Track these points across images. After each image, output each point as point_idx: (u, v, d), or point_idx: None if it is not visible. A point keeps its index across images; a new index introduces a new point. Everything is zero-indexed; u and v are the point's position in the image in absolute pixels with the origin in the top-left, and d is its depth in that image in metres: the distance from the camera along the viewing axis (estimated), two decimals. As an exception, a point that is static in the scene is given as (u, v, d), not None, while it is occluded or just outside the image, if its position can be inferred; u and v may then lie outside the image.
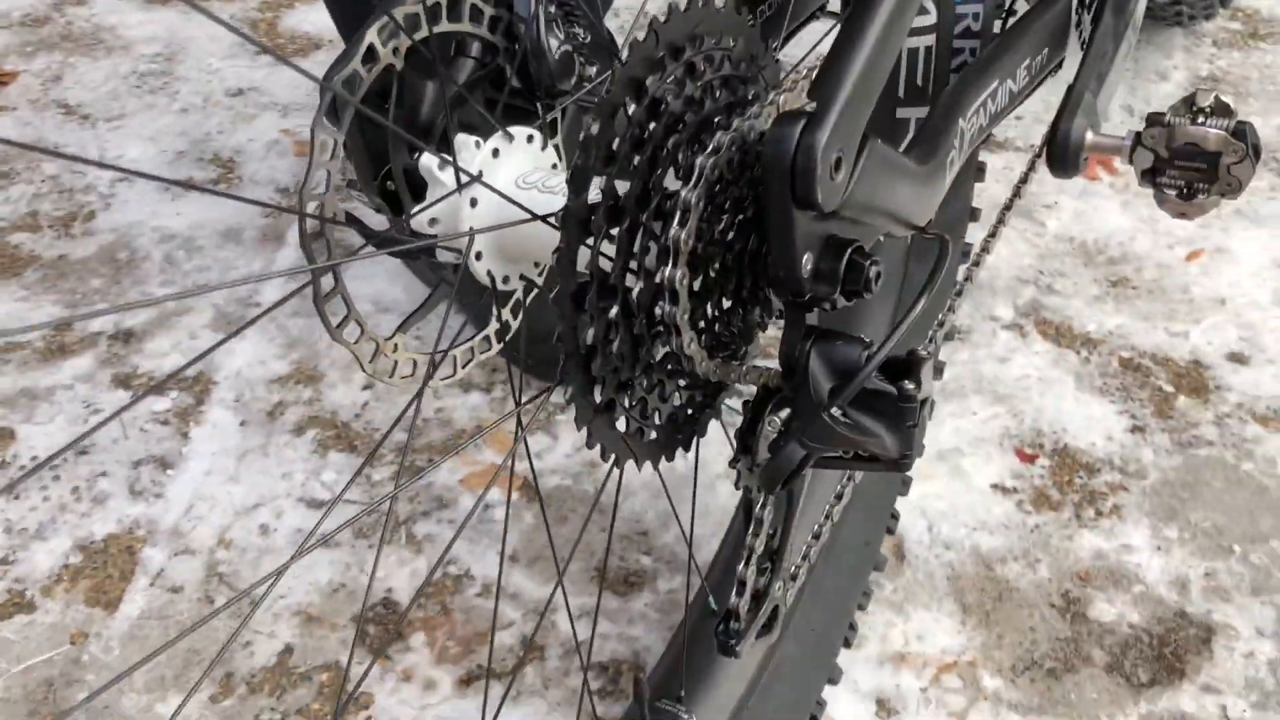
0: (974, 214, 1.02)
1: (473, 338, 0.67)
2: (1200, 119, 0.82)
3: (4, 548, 1.06)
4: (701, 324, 0.56)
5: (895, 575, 1.06)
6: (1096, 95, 0.87)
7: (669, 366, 0.57)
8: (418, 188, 0.62)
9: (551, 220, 0.55)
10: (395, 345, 0.61)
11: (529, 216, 0.58)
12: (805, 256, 0.53)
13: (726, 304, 0.58)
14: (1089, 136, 0.84)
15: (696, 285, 0.54)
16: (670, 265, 0.51)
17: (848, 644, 0.95)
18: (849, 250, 0.55)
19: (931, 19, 0.90)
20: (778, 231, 0.52)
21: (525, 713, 0.94)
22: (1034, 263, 1.41)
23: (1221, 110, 0.83)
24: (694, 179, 0.51)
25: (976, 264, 0.88)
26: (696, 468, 0.73)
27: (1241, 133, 0.81)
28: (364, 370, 0.60)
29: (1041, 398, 1.23)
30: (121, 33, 1.85)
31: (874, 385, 0.56)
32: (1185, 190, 0.84)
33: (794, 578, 0.74)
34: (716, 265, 0.55)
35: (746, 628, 0.68)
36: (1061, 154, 0.84)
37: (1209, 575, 1.06)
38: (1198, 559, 1.08)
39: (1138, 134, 0.83)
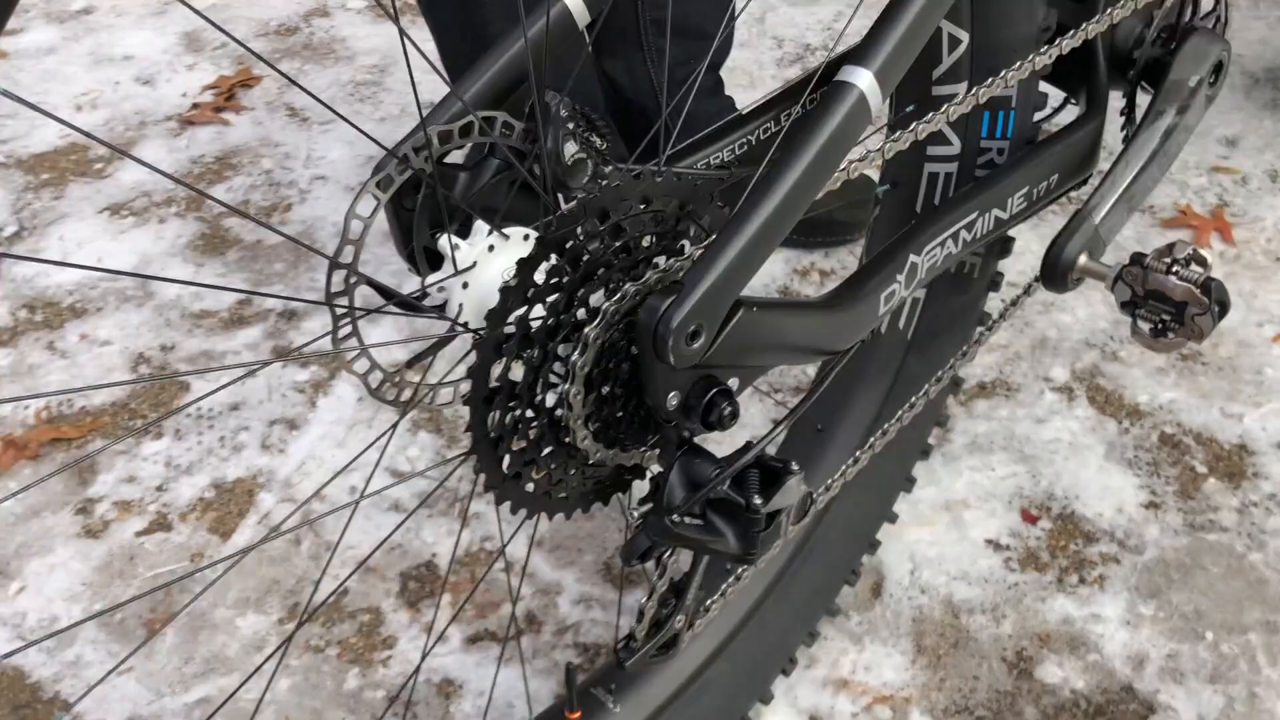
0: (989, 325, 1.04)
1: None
2: (1173, 269, 0.89)
3: (162, 477, 1.35)
4: (595, 426, 0.68)
5: (865, 609, 1.17)
6: (1102, 221, 0.93)
7: (569, 453, 0.69)
8: (438, 258, 0.78)
9: (480, 334, 0.66)
10: (398, 375, 0.77)
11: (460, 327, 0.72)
12: (671, 394, 0.66)
13: (618, 414, 0.70)
14: (1081, 260, 0.92)
15: (590, 399, 0.66)
16: (569, 382, 0.64)
17: (785, 673, 1.07)
18: (712, 391, 0.67)
19: (955, 149, 0.96)
20: (646, 375, 0.65)
21: (513, 674, 1.13)
22: (1108, 327, 1.44)
23: (1197, 261, 0.90)
24: (597, 320, 0.63)
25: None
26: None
27: (1208, 289, 0.88)
28: (369, 392, 0.77)
29: (1065, 462, 1.28)
30: (351, 44, 2.15)
31: (723, 495, 0.67)
32: (1157, 327, 0.91)
33: (706, 610, 0.86)
34: (608, 385, 0.67)
35: (640, 649, 0.79)
36: (1052, 272, 0.92)
37: (1171, 656, 1.10)
38: (1165, 639, 1.12)
39: (1121, 269, 0.90)
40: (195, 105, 2.00)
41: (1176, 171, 1.65)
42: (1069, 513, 1.23)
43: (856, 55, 0.68)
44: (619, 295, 0.64)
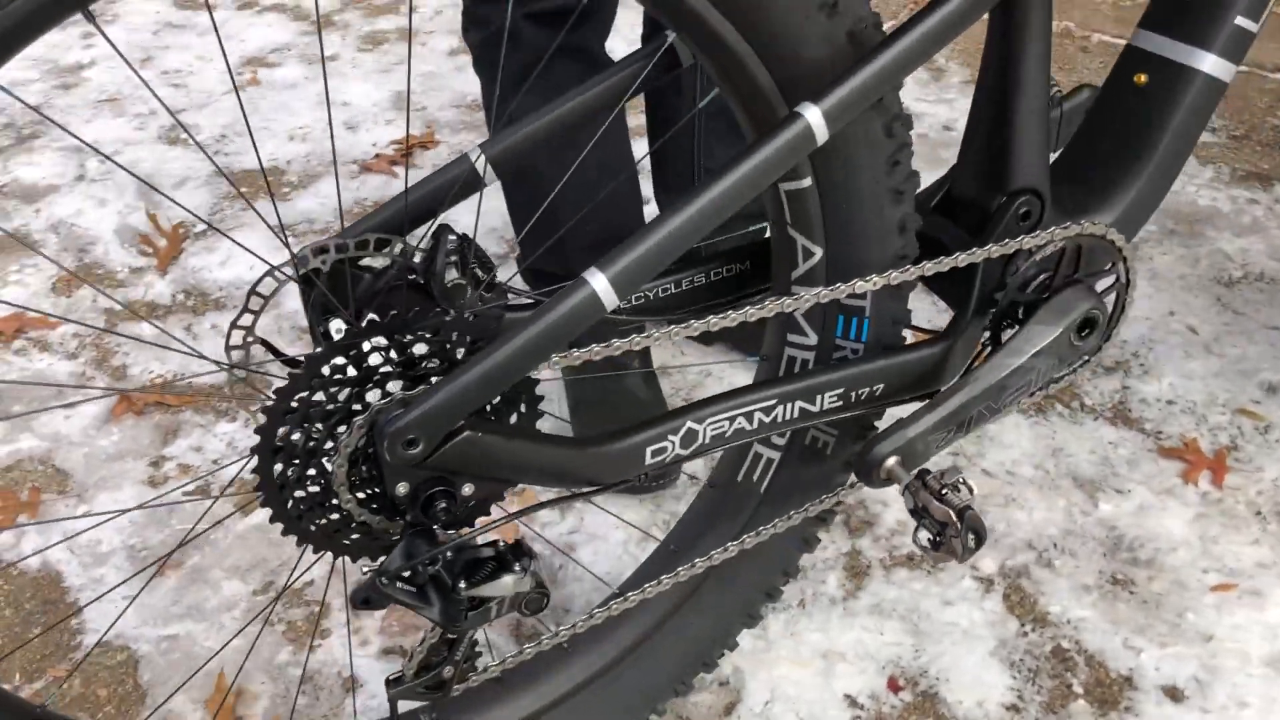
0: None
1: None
2: (942, 491, 1.00)
3: (220, 454, 1.65)
4: (360, 495, 0.88)
5: (710, 715, 1.30)
6: (919, 435, 1.00)
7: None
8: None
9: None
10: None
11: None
12: (400, 484, 0.84)
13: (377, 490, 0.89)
14: (889, 462, 1.01)
15: (353, 473, 0.86)
16: (335, 456, 0.85)
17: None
18: (434, 489, 0.85)
19: (812, 341, 1.05)
20: (381, 465, 0.84)
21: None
22: (1057, 534, 1.50)
23: (963, 489, 1.00)
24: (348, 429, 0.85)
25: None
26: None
27: (963, 516, 0.98)
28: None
29: (953, 646, 1.37)
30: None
31: (435, 573, 0.87)
32: (933, 540, 1.00)
33: (477, 669, 1.01)
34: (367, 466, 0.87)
35: (405, 685, 0.96)
36: (861, 465, 1.01)
37: (957, 846, 1.18)
38: (959, 829, 1.19)
39: (909, 482, 1.01)
40: (377, 155, 2.36)
41: (1201, 404, 1.68)
42: (933, 692, 1.32)
43: (602, 263, 0.84)
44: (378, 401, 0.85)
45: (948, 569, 1.46)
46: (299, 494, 0.88)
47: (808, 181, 0.93)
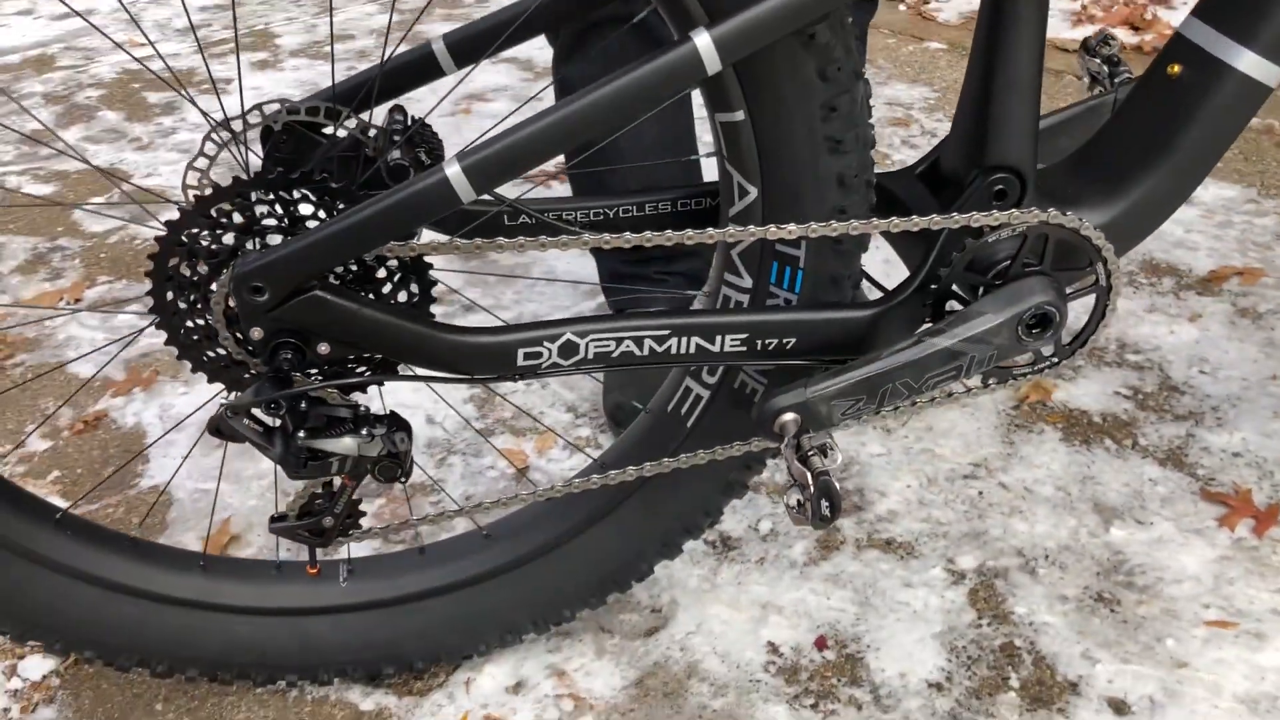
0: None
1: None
2: (807, 454, 0.96)
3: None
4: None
5: (629, 637, 1.32)
6: (817, 394, 0.97)
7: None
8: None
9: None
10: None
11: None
12: (254, 329, 0.92)
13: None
14: (784, 417, 0.97)
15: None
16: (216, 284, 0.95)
17: (504, 643, 1.26)
18: (281, 337, 0.92)
19: (746, 284, 1.04)
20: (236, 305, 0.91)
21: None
22: (1052, 549, 1.41)
23: (824, 453, 0.97)
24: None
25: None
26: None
27: (817, 480, 0.94)
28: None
29: (896, 623, 1.32)
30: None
31: (281, 419, 0.93)
32: (800, 502, 0.96)
33: (358, 526, 1.08)
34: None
35: (285, 525, 1.04)
36: (758, 415, 0.98)
37: (819, 787, 1.13)
38: (829, 774, 1.15)
39: (788, 440, 0.97)
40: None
41: (1273, 461, 1.53)
42: (858, 657, 1.28)
43: (461, 152, 0.87)
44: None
45: (921, 556, 1.41)
46: (187, 324, 0.97)
47: (740, 115, 0.94)
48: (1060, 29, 3.55)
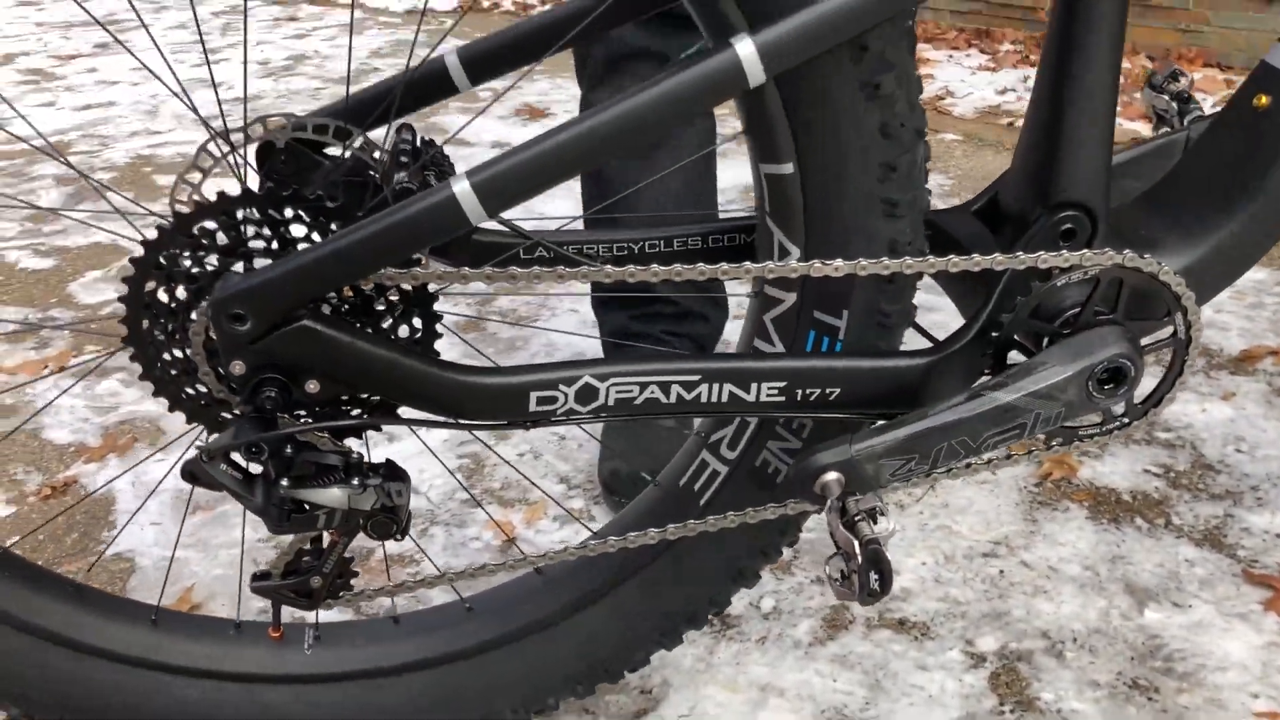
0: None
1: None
2: (854, 518, 0.87)
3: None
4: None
5: (619, 718, 1.20)
6: (861, 451, 0.86)
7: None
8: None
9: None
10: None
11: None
12: (235, 362, 0.81)
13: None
14: (827, 476, 0.87)
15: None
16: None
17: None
18: (265, 372, 0.81)
19: (779, 351, 0.95)
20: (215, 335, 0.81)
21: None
22: (1080, 631, 1.29)
23: (875, 518, 0.87)
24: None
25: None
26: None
27: (865, 548, 0.84)
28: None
29: (909, 709, 1.19)
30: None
31: (262, 466, 0.81)
32: (844, 572, 0.86)
33: (348, 588, 0.97)
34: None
35: (269, 584, 0.94)
36: (797, 472, 0.88)
37: None
38: None
39: (831, 503, 0.88)
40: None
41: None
42: (865, 745, 1.15)
43: (472, 169, 0.78)
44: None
45: (938, 637, 1.29)
46: (164, 355, 0.87)
47: (789, 168, 0.85)
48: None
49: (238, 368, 0.82)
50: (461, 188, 0.78)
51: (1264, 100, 0.88)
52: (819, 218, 0.87)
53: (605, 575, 1.08)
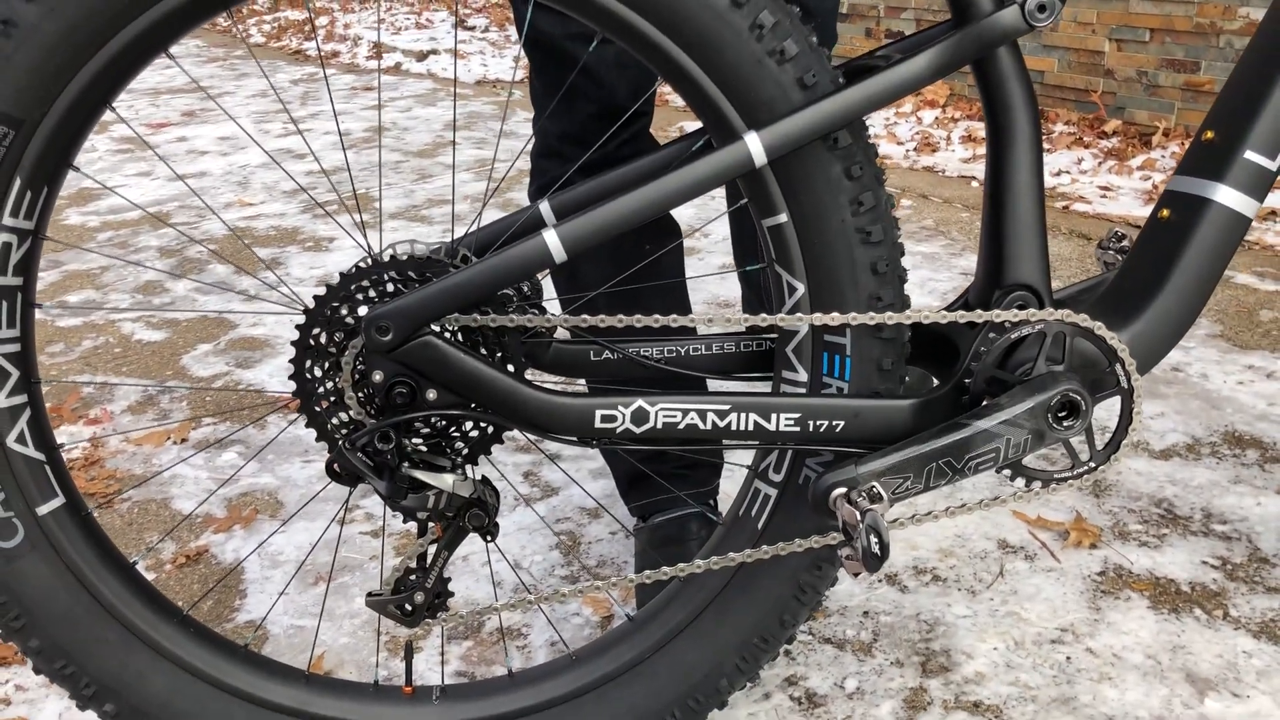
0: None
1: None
2: (855, 500, 1.05)
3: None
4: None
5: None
6: (865, 472, 1.06)
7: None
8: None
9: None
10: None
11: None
12: (376, 371, 1.03)
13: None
14: (835, 493, 1.06)
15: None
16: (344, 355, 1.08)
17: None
18: (398, 377, 1.04)
19: (802, 378, 1.13)
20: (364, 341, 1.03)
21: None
22: (1145, 719, 1.39)
23: (870, 500, 1.05)
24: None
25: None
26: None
27: (864, 516, 1.02)
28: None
29: (986, 788, 1.29)
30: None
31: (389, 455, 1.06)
32: (855, 552, 1.02)
33: (442, 598, 1.14)
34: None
35: (381, 600, 1.12)
36: (812, 492, 1.07)
37: None
38: None
39: (840, 496, 1.06)
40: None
41: None
42: (947, 821, 1.26)
43: (559, 225, 1.02)
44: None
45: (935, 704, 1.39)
46: (323, 401, 1.06)
47: (784, 216, 1.07)
48: (1132, 206, 3.64)
49: (377, 376, 1.03)
50: (551, 237, 1.03)
51: (1165, 213, 1.13)
52: (813, 252, 1.08)
53: (685, 611, 1.24)
